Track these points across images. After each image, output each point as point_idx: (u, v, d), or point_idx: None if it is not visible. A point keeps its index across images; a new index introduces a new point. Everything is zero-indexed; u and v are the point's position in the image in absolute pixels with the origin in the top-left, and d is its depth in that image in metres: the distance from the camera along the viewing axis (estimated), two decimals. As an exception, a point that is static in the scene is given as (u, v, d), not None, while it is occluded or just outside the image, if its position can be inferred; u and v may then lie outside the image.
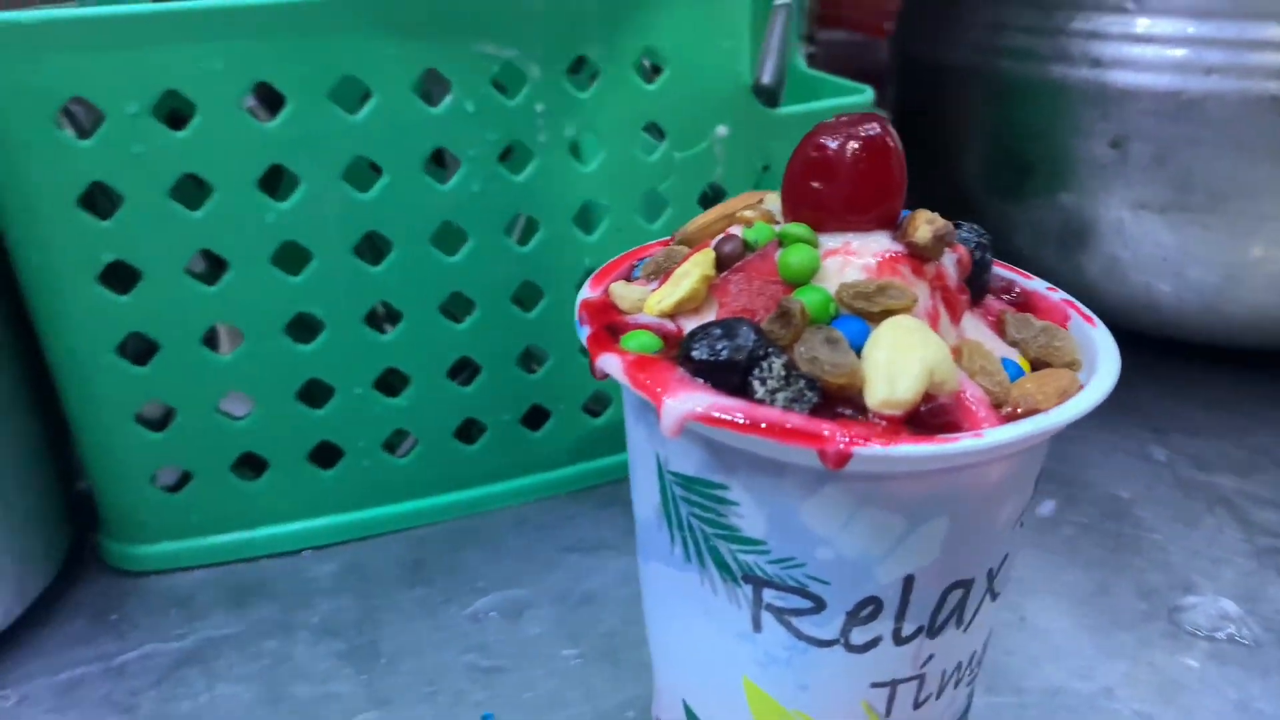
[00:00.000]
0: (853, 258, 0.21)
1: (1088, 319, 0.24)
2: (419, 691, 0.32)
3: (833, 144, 0.21)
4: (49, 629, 0.35)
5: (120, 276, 0.34)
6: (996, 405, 0.20)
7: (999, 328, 0.24)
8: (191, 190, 0.33)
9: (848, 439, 0.18)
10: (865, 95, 0.43)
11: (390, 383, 0.38)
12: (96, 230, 0.32)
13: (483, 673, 0.33)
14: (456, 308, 0.38)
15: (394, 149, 0.34)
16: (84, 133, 0.32)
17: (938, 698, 0.23)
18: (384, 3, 0.33)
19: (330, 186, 0.34)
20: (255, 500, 0.38)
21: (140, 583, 0.38)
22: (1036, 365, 0.23)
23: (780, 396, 0.19)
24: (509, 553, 0.38)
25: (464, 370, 0.39)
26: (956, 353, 0.21)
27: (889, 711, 0.22)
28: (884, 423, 0.19)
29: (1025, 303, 0.25)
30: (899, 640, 0.21)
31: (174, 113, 0.32)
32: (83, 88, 0.31)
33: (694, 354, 0.19)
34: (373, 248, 0.36)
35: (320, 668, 0.33)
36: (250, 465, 0.38)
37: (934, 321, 0.21)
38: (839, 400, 0.19)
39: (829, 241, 0.22)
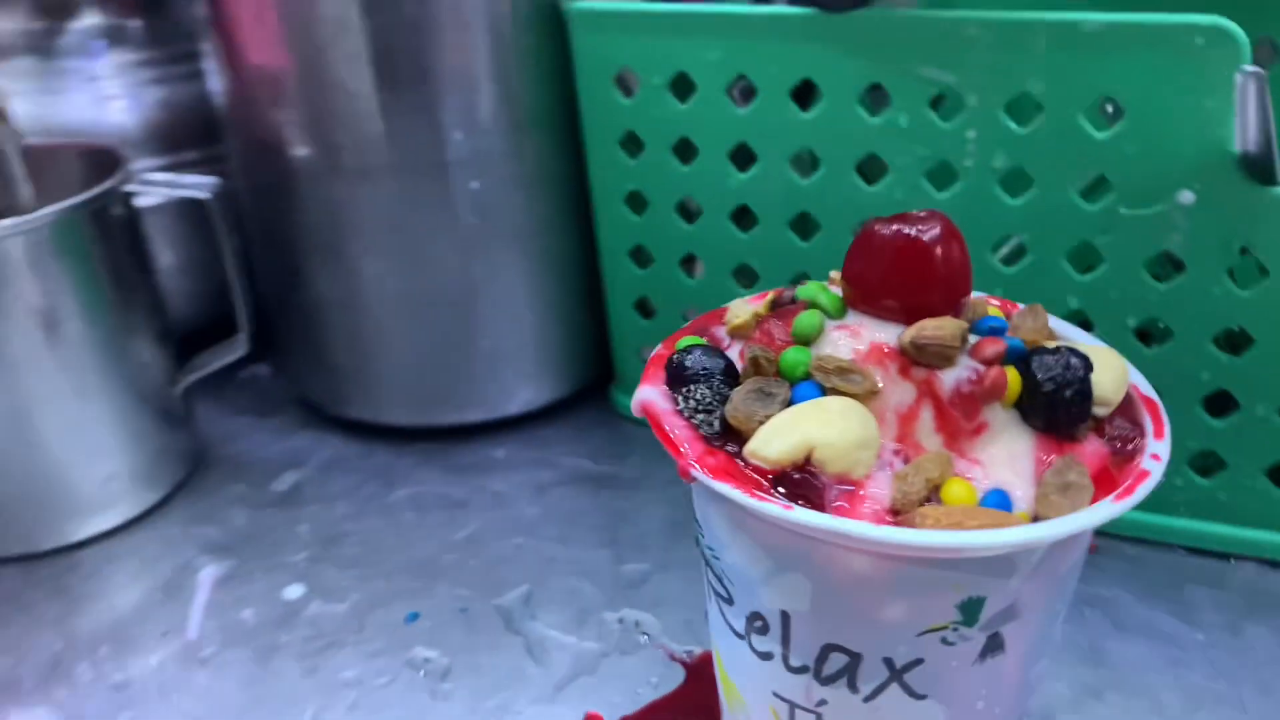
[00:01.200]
0: (852, 339, 0.23)
1: (1128, 491, 0.21)
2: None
3: (878, 232, 0.23)
4: (544, 424, 0.51)
5: (637, 203, 0.46)
6: (894, 511, 0.21)
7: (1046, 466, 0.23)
8: (684, 149, 0.43)
9: (692, 458, 0.22)
10: None
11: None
12: (626, 166, 0.45)
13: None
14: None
15: (833, 146, 0.40)
16: (628, 94, 0.44)
17: (839, 748, 0.25)
18: (844, 22, 0.38)
19: (778, 168, 0.42)
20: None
21: (612, 420, 0.52)
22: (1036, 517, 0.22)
23: (698, 417, 0.23)
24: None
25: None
26: (915, 455, 0.22)
27: (790, 729, 0.25)
28: (752, 472, 0.22)
29: (1128, 456, 0.23)
30: (788, 667, 0.24)
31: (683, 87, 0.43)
32: (629, 60, 0.43)
33: (669, 363, 0.25)
34: (804, 225, 0.43)
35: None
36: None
37: (907, 422, 0.23)
38: (741, 440, 0.23)
39: (851, 318, 0.24)
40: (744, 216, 0.44)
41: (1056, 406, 0.23)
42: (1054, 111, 0.36)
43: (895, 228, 0.23)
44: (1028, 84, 0.36)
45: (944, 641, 0.23)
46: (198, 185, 0.46)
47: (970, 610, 0.22)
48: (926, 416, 0.23)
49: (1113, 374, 0.24)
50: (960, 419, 0.23)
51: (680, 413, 0.24)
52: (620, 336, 0.50)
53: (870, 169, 0.40)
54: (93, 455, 0.44)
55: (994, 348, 0.23)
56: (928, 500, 0.22)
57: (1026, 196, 0.38)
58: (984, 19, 0.36)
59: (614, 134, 0.45)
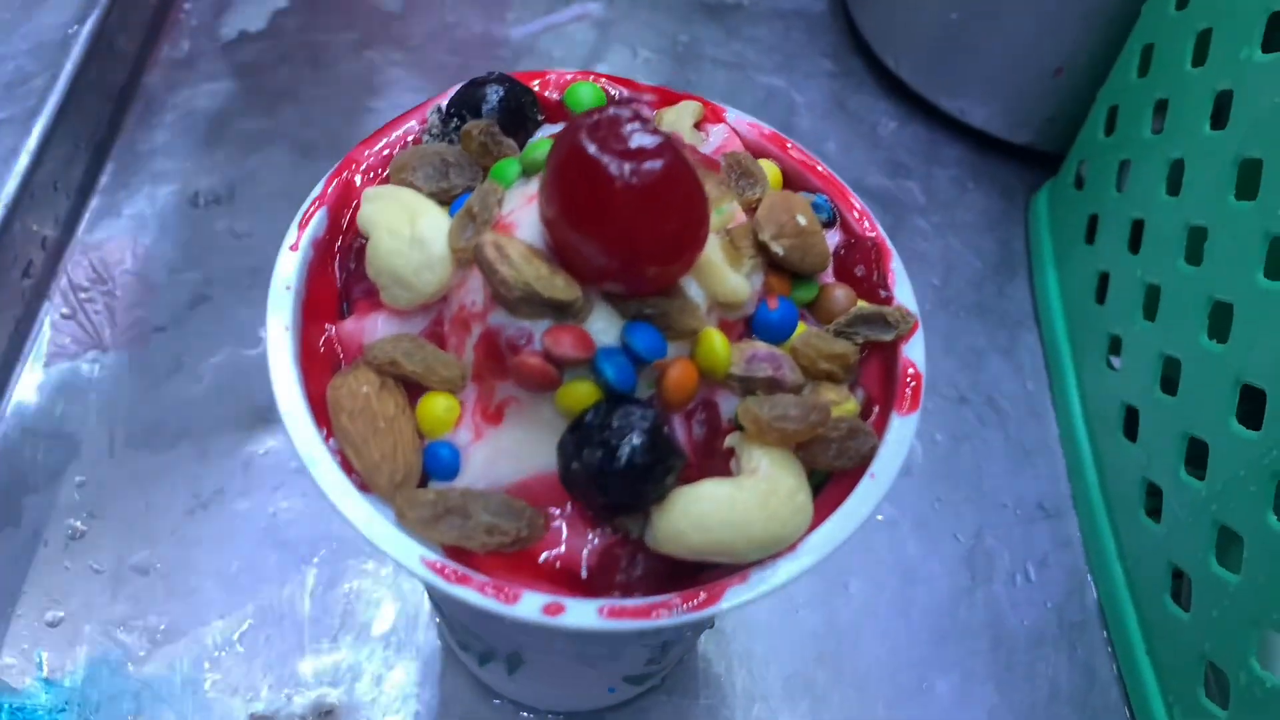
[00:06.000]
0: (520, 196, 0.19)
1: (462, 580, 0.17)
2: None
3: (576, 126, 0.16)
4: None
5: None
6: (364, 355, 0.19)
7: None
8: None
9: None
10: None
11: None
12: None
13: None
14: None
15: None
16: None
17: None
18: None
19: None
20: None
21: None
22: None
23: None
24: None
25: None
26: (458, 352, 0.19)
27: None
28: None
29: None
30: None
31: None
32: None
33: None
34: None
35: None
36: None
37: (466, 314, 0.19)
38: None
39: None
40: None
41: (566, 469, 0.17)
42: None
43: (597, 138, 0.16)
44: None
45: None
46: None
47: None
48: (477, 330, 0.18)
49: (722, 529, 0.17)
50: (485, 367, 0.18)
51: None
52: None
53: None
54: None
55: (565, 343, 0.17)
56: (396, 401, 0.18)
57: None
58: None
59: None
